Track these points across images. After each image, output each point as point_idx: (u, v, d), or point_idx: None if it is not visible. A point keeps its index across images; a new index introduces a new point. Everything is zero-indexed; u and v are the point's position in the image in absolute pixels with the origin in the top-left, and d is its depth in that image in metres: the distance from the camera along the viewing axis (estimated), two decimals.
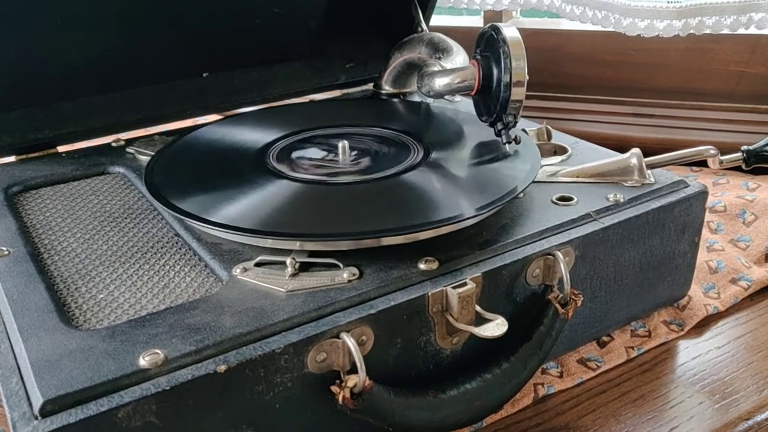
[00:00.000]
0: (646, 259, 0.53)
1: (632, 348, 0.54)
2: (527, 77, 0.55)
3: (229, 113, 0.81)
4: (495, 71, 0.56)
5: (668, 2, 0.80)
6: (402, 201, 0.50)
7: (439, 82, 0.60)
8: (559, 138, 0.64)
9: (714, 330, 0.57)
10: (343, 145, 0.56)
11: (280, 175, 0.53)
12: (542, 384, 0.50)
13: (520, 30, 0.56)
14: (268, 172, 0.54)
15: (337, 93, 0.82)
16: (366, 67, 0.82)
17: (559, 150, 0.62)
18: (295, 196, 0.51)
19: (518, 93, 0.55)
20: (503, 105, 0.56)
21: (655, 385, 0.51)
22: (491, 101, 0.58)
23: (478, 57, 0.58)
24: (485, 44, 0.58)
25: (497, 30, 0.56)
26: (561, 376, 0.51)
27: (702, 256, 0.58)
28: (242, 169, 0.55)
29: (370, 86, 0.81)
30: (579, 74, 0.91)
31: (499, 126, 0.57)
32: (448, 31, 0.72)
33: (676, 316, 0.57)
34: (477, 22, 1.01)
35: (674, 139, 0.83)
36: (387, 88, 0.76)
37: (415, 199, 0.50)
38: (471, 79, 0.58)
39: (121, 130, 0.70)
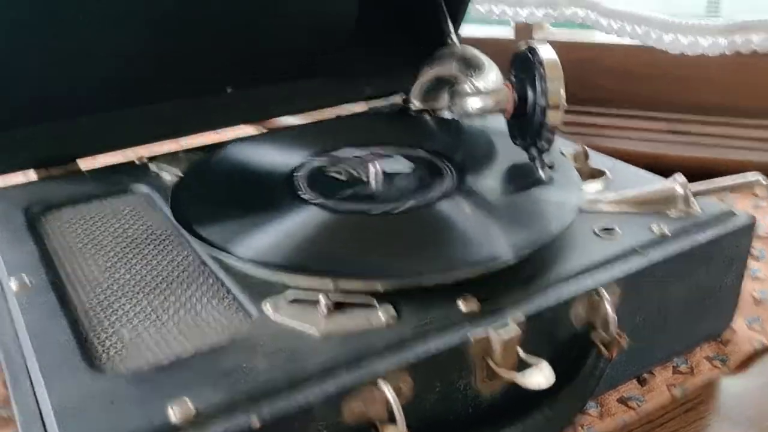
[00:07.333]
0: (691, 294, 0.51)
1: (674, 386, 0.52)
2: (564, 103, 0.53)
3: (253, 125, 0.79)
4: (530, 94, 0.54)
5: (707, 15, 0.77)
6: (438, 234, 0.48)
7: (472, 105, 0.58)
8: (596, 160, 0.61)
9: (760, 366, 0.54)
10: (375, 170, 0.54)
11: (309, 202, 0.51)
12: (582, 425, 0.48)
13: (552, 42, 0.54)
14: (297, 198, 0.52)
15: (363, 106, 0.80)
16: (392, 80, 0.79)
17: (597, 174, 0.59)
18: (325, 226, 0.49)
19: (554, 117, 0.53)
20: (538, 130, 0.54)
21: (700, 425, 0.49)
22: (526, 125, 0.56)
23: (513, 79, 0.56)
24: (520, 65, 0.56)
25: (533, 51, 0.54)
26: (601, 416, 0.49)
27: (744, 285, 0.56)
28: (271, 194, 0.53)
29: (396, 99, 0.79)
30: (612, 88, 0.88)
31: (534, 152, 0.55)
32: (479, 42, 0.69)
33: (719, 351, 0.55)
34: (508, 32, 0.98)
35: (712, 158, 0.80)
36: (416, 103, 0.73)
37: (452, 232, 0.48)
38: (505, 102, 0.56)
39: (143, 143, 0.68)
